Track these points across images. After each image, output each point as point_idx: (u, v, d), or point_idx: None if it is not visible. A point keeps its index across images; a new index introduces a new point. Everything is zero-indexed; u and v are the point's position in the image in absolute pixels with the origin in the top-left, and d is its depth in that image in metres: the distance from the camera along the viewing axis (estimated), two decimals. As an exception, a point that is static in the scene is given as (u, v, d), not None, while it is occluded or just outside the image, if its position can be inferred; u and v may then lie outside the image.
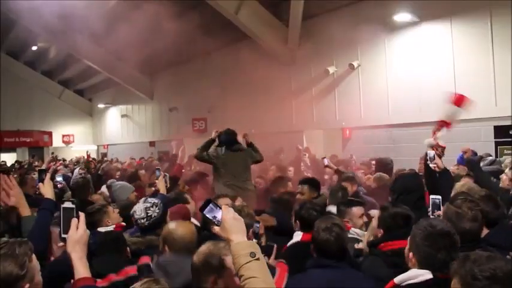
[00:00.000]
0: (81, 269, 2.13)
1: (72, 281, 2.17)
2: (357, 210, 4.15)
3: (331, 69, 12.03)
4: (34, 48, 22.06)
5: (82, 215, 2.25)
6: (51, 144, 26.47)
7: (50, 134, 26.89)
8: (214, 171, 7.03)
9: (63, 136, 27.78)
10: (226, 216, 2.04)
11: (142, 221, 3.54)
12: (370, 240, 3.40)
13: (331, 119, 12.44)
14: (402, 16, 10.17)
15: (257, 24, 12.68)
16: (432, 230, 2.39)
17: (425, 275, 2.32)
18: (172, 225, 3.21)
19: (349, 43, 11.52)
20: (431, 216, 3.48)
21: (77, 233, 2.17)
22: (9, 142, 24.06)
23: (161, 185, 5.12)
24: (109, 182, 7.60)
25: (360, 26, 10.74)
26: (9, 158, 20.53)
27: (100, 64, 19.91)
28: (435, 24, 9.79)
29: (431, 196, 3.64)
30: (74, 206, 2.28)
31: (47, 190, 3.33)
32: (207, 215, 2.09)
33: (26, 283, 2.01)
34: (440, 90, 9.60)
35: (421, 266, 2.36)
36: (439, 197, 3.62)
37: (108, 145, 26.75)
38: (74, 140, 28.08)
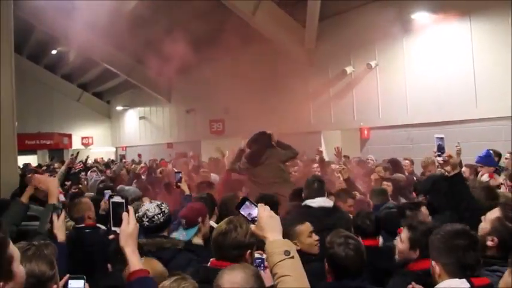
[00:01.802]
0: (135, 262, 2.18)
1: None
2: (424, 210, 3.86)
3: (349, 70, 11.99)
4: (54, 52, 22.37)
5: (131, 209, 2.29)
6: (71, 147, 26.80)
7: (69, 136, 27.26)
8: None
9: (83, 138, 28.16)
10: (262, 214, 2.01)
11: (158, 216, 3.54)
12: (399, 261, 3.12)
13: (349, 119, 12.40)
14: (420, 15, 10.11)
15: (274, 25, 12.69)
16: (448, 231, 2.36)
17: (461, 284, 2.21)
18: None
19: (367, 43, 11.50)
20: (438, 159, 3.30)
21: (129, 227, 2.21)
22: (30, 144, 24.38)
23: (185, 187, 5.23)
24: (118, 187, 7.61)
25: (377, 25, 10.72)
26: (30, 160, 20.80)
27: (118, 67, 20.13)
28: (454, 22, 9.70)
29: (436, 135, 3.38)
30: (123, 200, 2.33)
31: (60, 232, 3.17)
32: (243, 213, 2.09)
33: (53, 284, 2.07)
34: (460, 90, 9.59)
35: (449, 272, 2.26)
36: (443, 135, 3.41)
37: (126, 147, 27.01)
38: (92, 142, 28.45)
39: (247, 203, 2.10)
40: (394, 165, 8.16)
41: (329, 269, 2.84)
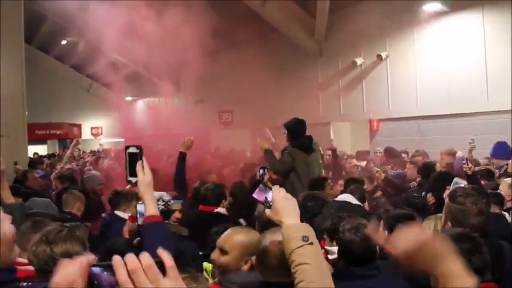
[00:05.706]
0: (153, 208, 2.30)
1: None
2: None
3: (359, 61, 11.93)
4: (63, 42, 22.44)
5: (144, 159, 2.32)
6: (80, 137, 26.83)
7: (79, 126, 27.33)
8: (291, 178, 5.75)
9: (92, 128, 28.24)
10: (277, 197, 1.88)
11: (171, 202, 3.79)
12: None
13: (359, 111, 12.34)
14: (432, 6, 10.00)
15: (284, 16, 12.64)
16: (449, 237, 2.04)
17: None
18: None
19: (377, 34, 11.40)
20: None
21: (146, 177, 2.27)
22: (40, 134, 24.51)
23: None
24: (86, 168, 7.66)
25: (388, 16, 10.62)
26: (40, 150, 20.98)
27: (127, 57, 20.13)
28: (466, 13, 9.60)
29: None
30: (138, 150, 2.33)
31: None
32: (257, 197, 1.97)
33: None
34: (471, 82, 9.50)
35: None
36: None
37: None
38: (102, 132, 28.52)
39: (261, 186, 1.99)
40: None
41: (340, 255, 2.76)
